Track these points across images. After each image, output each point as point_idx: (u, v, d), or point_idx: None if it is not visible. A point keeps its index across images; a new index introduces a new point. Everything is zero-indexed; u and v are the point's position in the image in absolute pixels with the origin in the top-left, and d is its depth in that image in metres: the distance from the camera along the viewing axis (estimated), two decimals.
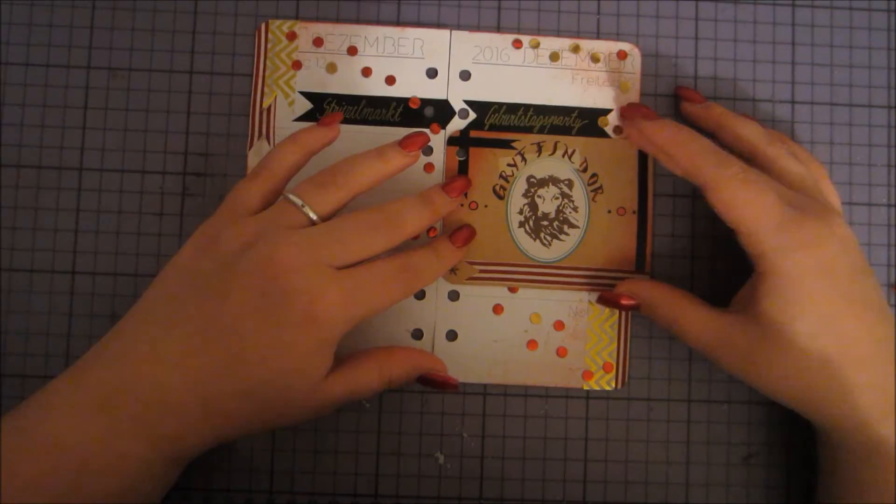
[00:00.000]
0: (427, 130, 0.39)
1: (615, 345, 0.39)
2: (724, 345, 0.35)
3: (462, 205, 0.39)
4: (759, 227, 0.33)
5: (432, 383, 0.37)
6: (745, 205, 0.33)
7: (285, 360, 0.32)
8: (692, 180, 0.34)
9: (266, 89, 0.40)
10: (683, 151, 0.34)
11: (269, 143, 0.39)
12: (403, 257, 0.35)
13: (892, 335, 0.33)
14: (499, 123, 0.40)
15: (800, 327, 0.33)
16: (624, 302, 0.37)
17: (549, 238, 0.39)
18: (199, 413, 0.32)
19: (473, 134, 0.40)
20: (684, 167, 0.34)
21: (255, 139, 0.40)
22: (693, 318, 0.35)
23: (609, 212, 0.40)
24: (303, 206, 0.33)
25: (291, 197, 0.34)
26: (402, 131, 0.40)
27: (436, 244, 0.37)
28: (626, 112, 0.38)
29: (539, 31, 0.41)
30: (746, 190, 0.33)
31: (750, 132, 0.37)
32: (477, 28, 0.41)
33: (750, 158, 0.36)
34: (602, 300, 0.38)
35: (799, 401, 0.34)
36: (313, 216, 0.34)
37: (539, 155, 0.40)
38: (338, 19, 0.40)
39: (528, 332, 0.39)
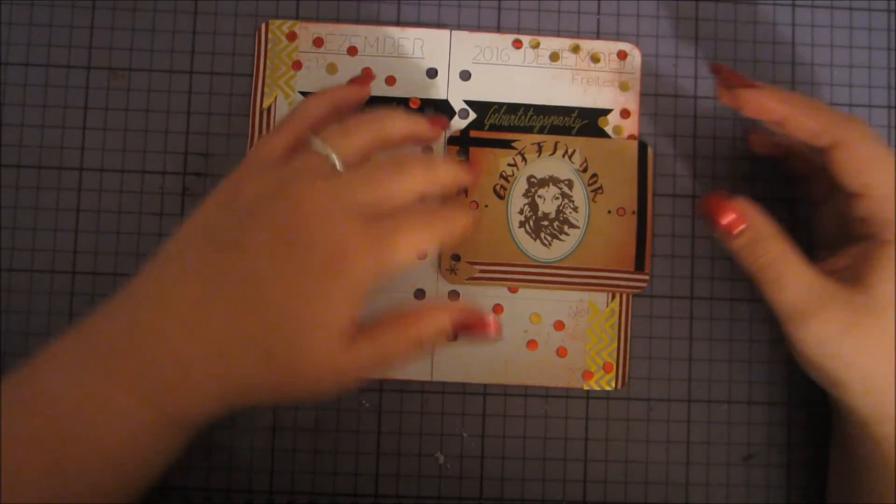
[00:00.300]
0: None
1: (615, 345, 0.39)
2: (823, 310, 0.32)
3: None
4: (890, 189, 0.31)
5: (470, 330, 0.32)
6: (877, 164, 0.31)
7: (306, 309, 0.30)
8: (815, 142, 0.32)
9: (266, 89, 0.40)
10: (807, 114, 0.32)
11: None
12: (434, 210, 0.33)
13: None
14: (499, 123, 0.40)
15: None
16: (727, 222, 0.33)
17: (549, 238, 0.39)
18: (205, 368, 0.29)
19: (474, 134, 0.40)
20: (811, 129, 0.32)
21: (255, 139, 0.40)
22: (798, 272, 0.32)
23: (609, 212, 0.40)
24: (328, 153, 0.32)
25: (315, 142, 0.32)
26: None
27: (453, 201, 0.36)
28: (722, 78, 0.35)
29: (539, 31, 0.41)
30: (879, 149, 0.31)
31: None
32: (477, 28, 0.41)
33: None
34: (704, 209, 0.33)
35: (873, 385, 0.32)
36: (337, 162, 0.32)
37: (539, 155, 0.40)
38: (338, 19, 0.40)
39: (528, 332, 0.39)
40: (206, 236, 0.31)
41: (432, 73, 0.40)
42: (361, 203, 0.31)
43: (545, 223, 0.39)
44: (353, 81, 0.35)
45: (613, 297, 0.40)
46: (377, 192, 0.31)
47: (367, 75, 0.36)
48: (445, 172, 0.33)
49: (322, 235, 0.30)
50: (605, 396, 0.40)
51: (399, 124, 0.34)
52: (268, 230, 0.30)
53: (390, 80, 0.40)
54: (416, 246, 0.31)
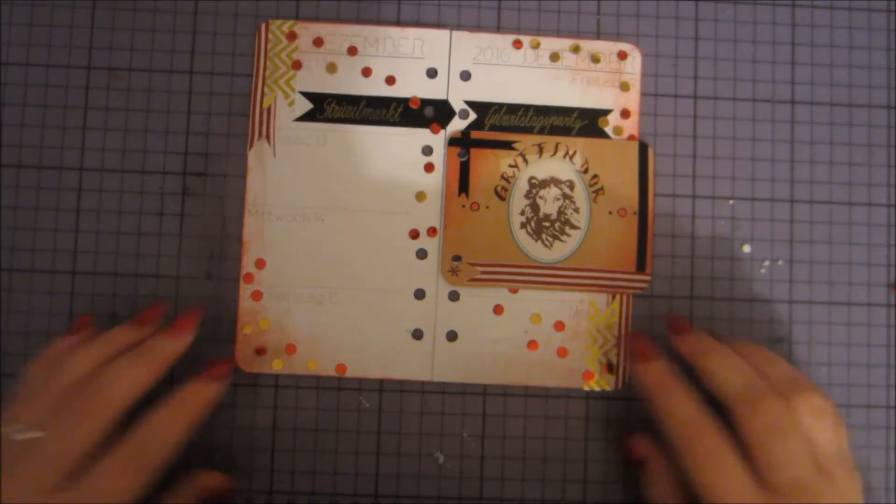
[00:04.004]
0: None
1: (616, 345, 0.39)
2: None
3: (464, 205, 0.39)
4: (715, 498, 0.31)
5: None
6: (704, 488, 0.31)
7: None
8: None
9: (266, 89, 0.40)
10: (662, 402, 0.34)
11: (268, 142, 0.39)
12: (133, 440, 0.32)
13: None
14: (499, 124, 0.40)
15: None
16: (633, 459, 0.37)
17: (550, 239, 0.39)
18: None
19: (474, 135, 0.40)
20: (659, 417, 0.34)
21: (255, 139, 0.40)
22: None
23: (610, 213, 0.40)
24: (10, 434, 0.31)
25: (4, 430, 0.31)
26: (403, 131, 0.40)
27: (179, 392, 0.34)
28: (631, 344, 0.38)
29: (539, 32, 0.41)
30: (704, 472, 0.31)
31: (730, 378, 0.34)
32: (477, 28, 0.41)
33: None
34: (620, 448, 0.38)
35: None
36: (20, 438, 0.31)
37: (540, 156, 0.40)
38: (338, 19, 0.40)
39: (528, 332, 0.39)
40: None
41: (432, 73, 0.40)
42: (50, 474, 0.30)
43: (546, 224, 0.39)
44: (69, 329, 0.35)
45: (614, 298, 0.40)
46: (63, 458, 0.30)
47: (81, 322, 0.36)
48: (147, 367, 0.33)
49: None
50: (605, 396, 0.40)
51: (78, 361, 0.33)
52: None
53: (390, 80, 0.40)
54: (127, 492, 0.31)
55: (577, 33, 0.41)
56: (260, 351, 0.39)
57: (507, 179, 0.40)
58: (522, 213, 0.39)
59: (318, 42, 0.40)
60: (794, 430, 0.32)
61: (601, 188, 0.40)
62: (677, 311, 0.40)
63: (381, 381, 0.39)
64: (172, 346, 0.35)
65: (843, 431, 0.33)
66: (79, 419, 0.31)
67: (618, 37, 0.41)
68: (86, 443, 0.31)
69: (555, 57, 0.40)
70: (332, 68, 0.40)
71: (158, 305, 0.36)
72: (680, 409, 0.33)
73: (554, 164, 0.40)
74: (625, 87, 0.40)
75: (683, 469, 0.32)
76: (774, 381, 0.33)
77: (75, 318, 0.37)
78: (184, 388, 0.34)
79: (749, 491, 0.31)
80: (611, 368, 0.39)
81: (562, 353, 0.39)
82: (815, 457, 0.31)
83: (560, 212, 0.40)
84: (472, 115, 0.40)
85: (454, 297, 0.39)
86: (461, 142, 0.40)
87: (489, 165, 0.39)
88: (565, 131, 0.40)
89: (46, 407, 0.32)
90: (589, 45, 0.40)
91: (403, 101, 0.40)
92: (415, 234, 0.39)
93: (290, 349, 0.39)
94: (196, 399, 0.34)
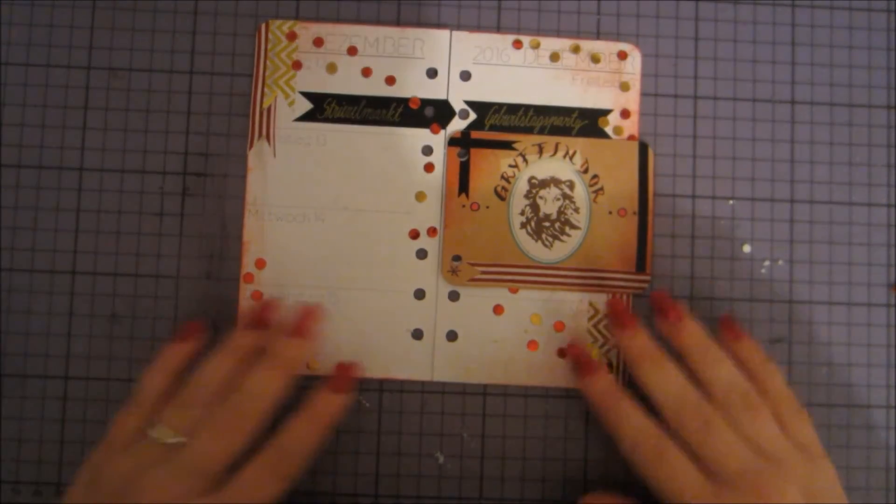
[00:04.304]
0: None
1: (615, 345, 0.39)
2: None
3: (464, 206, 0.39)
4: (674, 499, 0.33)
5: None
6: (658, 486, 0.33)
7: None
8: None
9: (266, 89, 0.40)
10: (604, 418, 0.35)
11: (268, 143, 0.39)
12: (275, 449, 0.34)
13: None
14: (499, 124, 0.40)
15: None
16: None
17: (550, 239, 0.39)
18: None
19: (474, 135, 0.40)
20: (609, 429, 0.36)
21: (255, 139, 0.40)
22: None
23: (610, 213, 0.40)
24: (164, 437, 0.33)
25: (152, 432, 0.33)
26: (403, 131, 0.40)
27: (312, 404, 0.35)
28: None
29: (539, 32, 0.41)
30: (656, 472, 0.33)
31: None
32: (477, 28, 0.41)
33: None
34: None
35: None
36: (173, 441, 0.33)
37: (540, 156, 0.40)
38: (338, 19, 0.40)
39: (528, 332, 0.39)
40: None
41: (432, 73, 0.40)
42: (200, 479, 0.32)
43: (546, 224, 0.39)
44: (179, 336, 0.37)
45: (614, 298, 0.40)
46: (213, 464, 0.33)
47: (192, 327, 0.37)
48: (271, 401, 0.34)
49: None
50: None
51: (219, 369, 0.35)
52: None
53: (390, 80, 0.40)
54: (269, 499, 0.33)
55: (577, 33, 0.41)
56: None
57: (507, 179, 0.40)
58: (522, 213, 0.39)
59: (318, 42, 0.40)
60: (726, 426, 0.34)
61: (601, 188, 0.40)
62: None
63: (382, 381, 0.39)
64: (301, 350, 0.36)
65: (804, 419, 0.35)
66: (225, 428, 0.33)
67: (618, 37, 0.41)
68: (232, 451, 0.33)
69: (555, 57, 0.40)
70: (332, 68, 0.40)
71: (272, 306, 0.37)
72: (629, 420, 0.35)
73: (554, 164, 0.40)
74: (625, 87, 0.40)
75: (643, 478, 0.34)
76: (724, 386, 0.35)
77: (183, 325, 0.37)
78: (316, 399, 0.35)
79: (703, 487, 0.33)
80: (611, 368, 0.39)
81: (562, 353, 0.39)
82: (758, 448, 0.33)
83: (560, 212, 0.40)
84: (472, 115, 0.40)
85: (454, 297, 0.39)
86: (461, 142, 0.40)
87: (489, 165, 0.39)
88: (565, 131, 0.40)
89: (192, 414, 0.34)
90: (589, 45, 0.40)
91: (403, 101, 0.40)
92: (415, 234, 0.39)
93: None
94: (328, 409, 0.36)
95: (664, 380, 0.35)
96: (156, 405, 0.35)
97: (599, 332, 0.39)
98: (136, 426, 0.34)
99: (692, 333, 0.36)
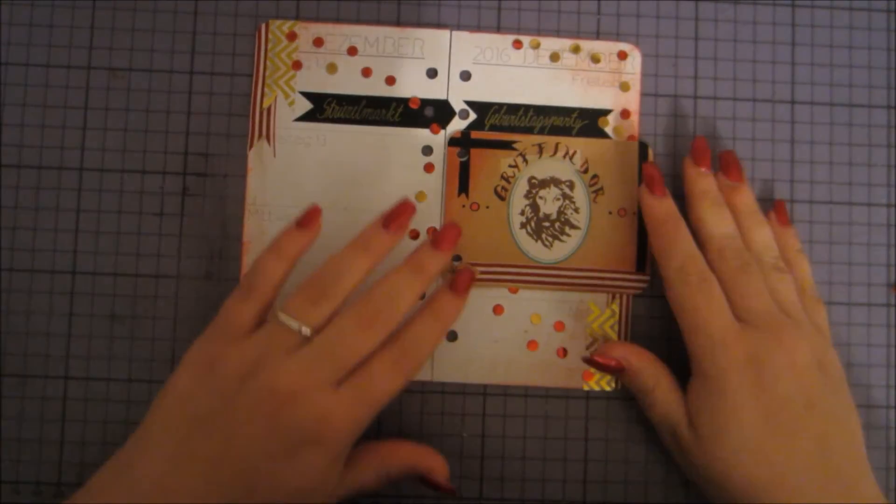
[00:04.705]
0: (413, 201, 0.37)
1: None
2: (678, 432, 0.36)
3: (464, 206, 0.39)
4: (699, 333, 0.35)
5: (431, 486, 0.36)
6: (692, 310, 0.35)
7: (301, 482, 0.32)
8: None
9: (266, 89, 0.40)
10: (658, 239, 0.37)
11: (268, 143, 0.39)
12: (400, 344, 0.34)
13: (831, 468, 0.33)
14: (499, 124, 0.40)
15: (725, 441, 0.34)
16: (615, 365, 0.37)
17: (550, 239, 0.39)
18: None
19: (474, 135, 0.40)
20: (655, 253, 0.37)
21: (255, 139, 0.40)
22: (667, 393, 0.36)
23: (610, 213, 0.40)
24: (298, 327, 0.33)
25: (284, 319, 0.33)
26: (403, 131, 0.40)
27: (433, 302, 0.36)
28: (645, 175, 0.38)
29: (539, 32, 0.41)
30: (694, 297, 0.35)
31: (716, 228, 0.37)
32: (477, 28, 0.41)
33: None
34: (591, 362, 0.37)
35: None
36: (308, 333, 0.33)
37: (540, 156, 0.40)
38: (338, 19, 0.40)
39: (528, 332, 0.39)
40: (193, 417, 0.32)
41: (432, 73, 0.40)
42: (334, 372, 0.33)
43: (546, 224, 0.39)
44: (300, 223, 0.36)
45: (614, 298, 0.40)
46: (349, 357, 0.33)
47: (313, 214, 0.36)
48: (406, 304, 0.35)
49: (302, 413, 0.32)
50: (605, 396, 0.40)
51: (357, 273, 0.35)
52: (248, 413, 0.32)
53: (390, 80, 0.40)
54: (391, 393, 0.34)
55: (577, 33, 0.41)
56: None
57: (506, 179, 0.40)
58: (522, 213, 0.39)
59: (318, 42, 0.40)
60: (760, 274, 0.36)
61: (601, 188, 0.40)
62: None
63: None
64: (440, 261, 0.36)
65: (822, 308, 0.38)
66: (364, 324, 0.33)
67: (618, 37, 0.41)
68: (368, 347, 0.33)
69: (555, 57, 0.40)
70: (332, 68, 0.40)
71: (407, 208, 0.36)
72: (683, 244, 0.36)
73: (554, 164, 0.40)
74: (625, 87, 0.40)
75: (674, 304, 0.36)
76: (760, 246, 0.37)
77: (307, 212, 0.36)
78: (437, 298, 0.36)
79: (732, 322, 0.35)
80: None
81: (561, 353, 0.39)
82: (780, 305, 0.36)
83: (560, 212, 0.40)
84: (472, 115, 0.40)
85: None
86: (461, 142, 0.40)
87: (489, 165, 0.39)
88: (565, 131, 0.40)
89: (323, 308, 0.34)
90: (589, 45, 0.40)
91: (403, 102, 0.40)
92: (415, 235, 0.39)
93: None
94: (449, 309, 0.36)
95: (719, 219, 0.37)
96: (273, 293, 0.35)
97: (604, 332, 0.39)
98: (254, 314, 0.34)
99: (745, 195, 0.38)
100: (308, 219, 0.35)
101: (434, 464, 0.36)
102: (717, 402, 0.34)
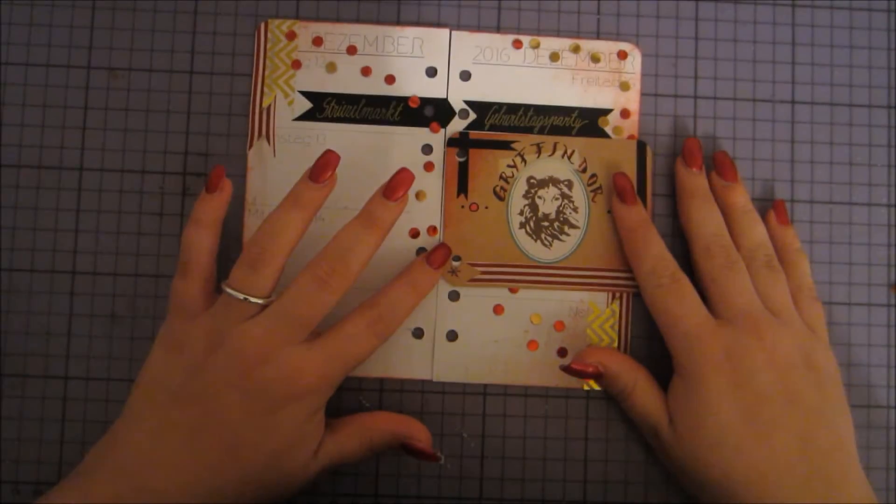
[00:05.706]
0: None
1: (615, 345, 0.39)
2: (659, 431, 0.36)
3: (463, 206, 0.39)
4: (674, 332, 0.35)
5: (413, 453, 0.36)
6: (666, 311, 0.36)
7: (279, 440, 0.33)
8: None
9: (266, 89, 0.40)
10: (629, 245, 0.38)
11: (268, 142, 0.39)
12: (373, 307, 0.35)
13: (813, 465, 0.33)
14: (499, 124, 0.40)
15: (703, 437, 0.34)
16: (592, 371, 0.37)
17: (549, 239, 0.39)
18: None
19: (473, 136, 0.40)
20: (628, 259, 0.38)
21: (255, 139, 0.40)
22: (646, 393, 0.36)
23: (609, 212, 0.40)
24: (244, 298, 0.33)
25: (230, 292, 0.33)
26: (402, 130, 0.40)
27: (410, 273, 0.37)
28: (617, 185, 0.39)
29: (539, 31, 0.41)
30: (666, 297, 0.36)
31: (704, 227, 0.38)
32: (477, 28, 0.41)
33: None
34: (569, 370, 0.37)
35: None
36: (259, 301, 0.33)
37: (539, 156, 0.40)
38: (338, 19, 0.40)
39: (528, 332, 0.39)
40: (170, 392, 0.33)
41: (432, 71, 0.40)
42: (298, 331, 0.33)
43: (545, 224, 0.39)
44: (209, 188, 0.36)
45: (614, 298, 0.40)
46: (308, 314, 0.33)
47: (217, 174, 0.36)
48: (379, 230, 0.35)
49: (273, 371, 0.33)
50: (605, 396, 0.40)
51: (293, 231, 0.34)
52: (220, 381, 0.33)
53: (390, 80, 0.40)
54: (363, 354, 0.35)
55: (577, 33, 0.41)
56: None
57: (505, 179, 0.40)
58: (521, 212, 0.39)
59: (317, 41, 0.40)
60: (746, 273, 0.36)
61: (600, 187, 0.40)
62: None
63: (382, 381, 0.39)
64: (392, 212, 0.35)
65: (818, 308, 0.38)
66: (322, 283, 0.34)
67: (618, 37, 0.41)
68: (329, 303, 0.34)
69: (555, 57, 0.40)
70: (331, 68, 0.40)
71: (332, 159, 0.35)
72: (653, 248, 0.37)
73: (552, 163, 0.40)
74: (625, 86, 0.40)
75: (650, 307, 0.37)
76: (753, 245, 0.38)
77: (211, 173, 0.36)
78: (414, 270, 0.37)
79: (706, 319, 0.35)
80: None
81: (562, 352, 0.39)
82: (768, 303, 0.36)
83: (559, 211, 0.40)
84: (472, 115, 0.40)
85: (454, 296, 0.39)
86: (459, 142, 0.40)
87: (488, 166, 0.39)
88: (565, 131, 0.40)
89: (273, 271, 0.34)
90: (589, 45, 0.40)
91: (403, 101, 0.40)
92: (415, 234, 0.39)
93: None
94: (424, 279, 0.37)
95: (707, 216, 0.37)
96: (206, 262, 0.35)
97: (604, 331, 0.39)
98: (197, 288, 0.35)
99: (740, 195, 0.38)
100: (214, 181, 0.36)
101: (415, 431, 0.36)
102: (695, 398, 0.34)
